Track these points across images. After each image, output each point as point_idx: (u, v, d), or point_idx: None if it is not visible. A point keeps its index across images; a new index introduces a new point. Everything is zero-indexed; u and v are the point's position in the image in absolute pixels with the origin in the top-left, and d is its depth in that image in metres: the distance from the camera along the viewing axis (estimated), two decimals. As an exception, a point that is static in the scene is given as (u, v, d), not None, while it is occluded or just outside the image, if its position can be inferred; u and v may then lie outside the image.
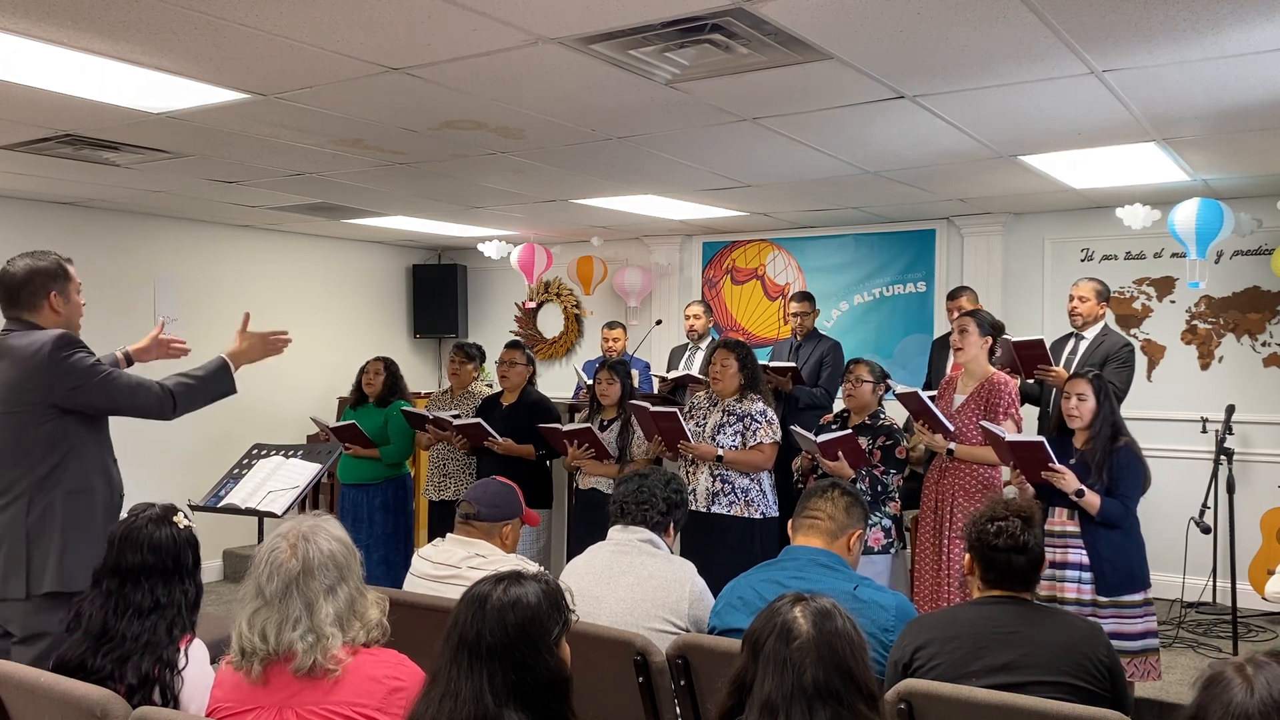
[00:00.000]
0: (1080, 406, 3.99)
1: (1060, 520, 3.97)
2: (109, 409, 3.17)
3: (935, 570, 4.34)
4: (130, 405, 3.16)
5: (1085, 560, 3.89)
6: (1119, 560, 3.88)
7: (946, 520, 4.29)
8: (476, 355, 5.96)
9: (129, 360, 3.51)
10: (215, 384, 3.35)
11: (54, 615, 2.97)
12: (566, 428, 5.10)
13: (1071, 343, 5.20)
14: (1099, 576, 3.87)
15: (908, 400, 4.39)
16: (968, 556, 2.61)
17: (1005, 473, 4.42)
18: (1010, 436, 4.02)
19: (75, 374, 3.07)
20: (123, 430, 3.29)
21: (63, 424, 3.08)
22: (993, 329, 4.46)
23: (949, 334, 5.77)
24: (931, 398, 4.39)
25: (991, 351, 4.49)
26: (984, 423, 4.15)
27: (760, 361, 5.06)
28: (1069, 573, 3.91)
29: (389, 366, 5.96)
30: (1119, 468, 3.90)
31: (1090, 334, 5.15)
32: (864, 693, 1.72)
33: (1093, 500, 3.85)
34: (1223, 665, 1.46)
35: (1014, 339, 4.94)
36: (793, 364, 5.65)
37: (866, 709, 1.72)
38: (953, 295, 5.76)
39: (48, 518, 3.06)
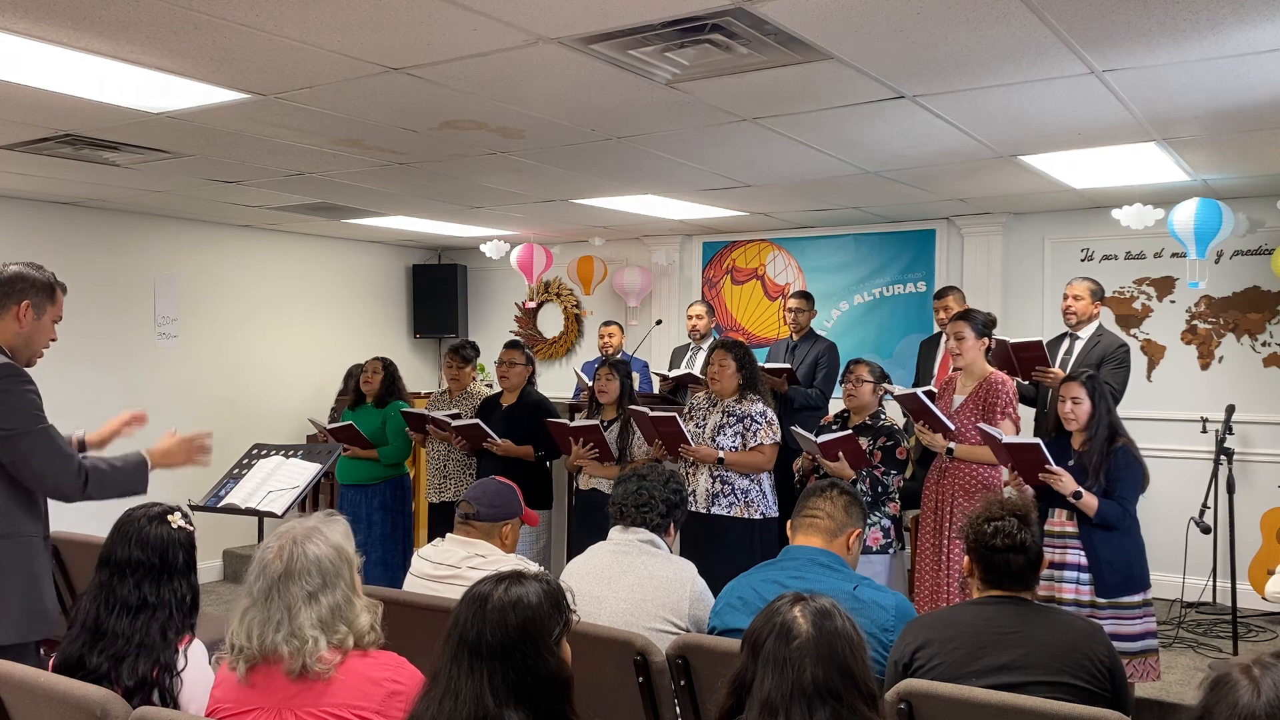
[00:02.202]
0: (1075, 410, 3.99)
1: (1059, 521, 3.97)
2: (29, 467, 2.81)
3: (936, 570, 4.34)
4: (50, 472, 2.82)
5: (1084, 561, 3.89)
6: (1118, 561, 3.87)
7: (947, 520, 4.30)
8: (472, 356, 5.96)
9: (82, 447, 3.15)
10: (129, 479, 2.98)
11: None
12: (573, 424, 5.10)
13: (1067, 342, 5.21)
14: (1097, 578, 3.87)
15: (907, 401, 4.39)
16: (966, 559, 2.61)
17: (1005, 472, 4.42)
18: (1007, 439, 4.02)
19: (14, 413, 2.77)
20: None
21: None
22: (986, 326, 4.47)
23: (938, 334, 5.79)
24: (929, 395, 4.39)
25: (987, 351, 4.49)
26: (981, 425, 4.15)
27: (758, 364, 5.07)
28: (1067, 573, 3.91)
29: (387, 367, 5.95)
30: (1117, 469, 3.90)
31: (1085, 333, 5.16)
32: (863, 692, 1.72)
33: (1090, 502, 3.85)
34: (1229, 666, 1.46)
35: (1012, 340, 4.94)
36: (788, 365, 5.66)
37: (866, 708, 1.72)
38: (939, 295, 5.76)
39: None
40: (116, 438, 3.27)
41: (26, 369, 2.91)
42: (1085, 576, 3.88)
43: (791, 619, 1.74)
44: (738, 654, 1.81)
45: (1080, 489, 3.86)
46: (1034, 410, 5.38)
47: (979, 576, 2.57)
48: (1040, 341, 4.91)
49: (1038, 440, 3.96)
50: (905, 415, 4.55)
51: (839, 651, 1.72)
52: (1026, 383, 5.08)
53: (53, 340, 3.02)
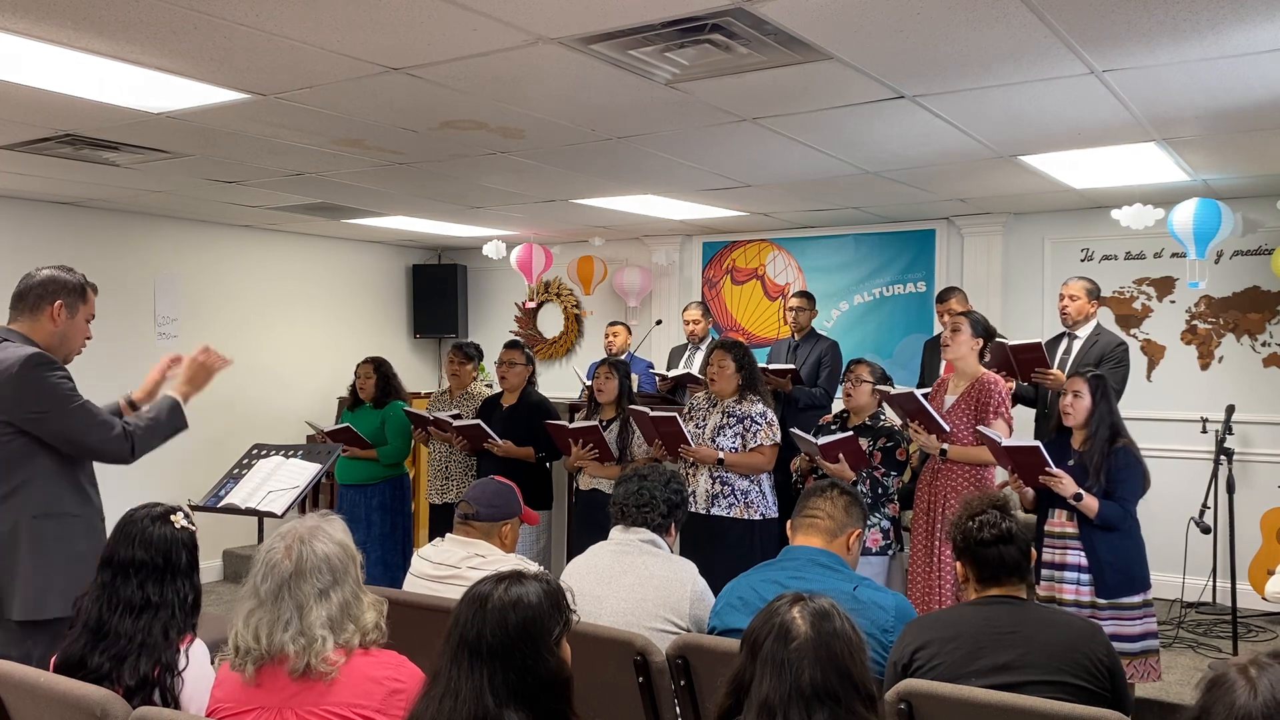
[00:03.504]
0: (1075, 404, 3.98)
1: (1059, 522, 3.97)
2: (72, 442, 3.00)
3: (928, 572, 4.33)
4: (97, 441, 3.01)
5: (1084, 562, 3.89)
6: (1118, 562, 3.87)
7: (939, 522, 4.29)
8: (475, 355, 5.96)
9: (133, 407, 3.33)
10: (170, 422, 3.19)
11: (25, 643, 2.90)
12: (572, 425, 5.10)
13: (1065, 342, 5.21)
14: (1098, 579, 3.86)
15: (903, 400, 4.38)
16: (959, 564, 2.60)
17: (999, 474, 4.41)
18: (1006, 441, 4.01)
19: (43, 396, 2.93)
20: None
21: (31, 442, 2.96)
22: (985, 332, 4.46)
23: (940, 335, 5.78)
24: (925, 396, 4.39)
25: (981, 355, 4.48)
26: (981, 428, 4.14)
27: (759, 364, 5.07)
28: (1067, 574, 3.91)
29: (380, 368, 5.94)
30: (1117, 469, 3.90)
31: (1083, 333, 5.16)
32: (862, 694, 1.71)
33: (1091, 503, 3.85)
34: (1226, 667, 1.46)
35: (1010, 342, 4.94)
36: (792, 366, 5.66)
37: (864, 710, 1.71)
38: (941, 298, 5.76)
39: (12, 543, 2.94)
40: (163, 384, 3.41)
41: (64, 364, 3.08)
42: (1085, 577, 3.88)
43: (790, 620, 1.74)
44: (737, 654, 1.80)
45: (1081, 491, 3.86)
46: (1034, 412, 5.38)
47: (974, 578, 2.56)
48: (1039, 343, 4.91)
49: (1037, 443, 3.96)
50: (901, 416, 4.54)
51: (837, 653, 1.71)
52: (1026, 385, 5.07)
53: (88, 339, 3.21)
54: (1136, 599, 3.89)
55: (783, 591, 1.86)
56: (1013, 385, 4.91)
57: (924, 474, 4.46)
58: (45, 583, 2.95)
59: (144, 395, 3.39)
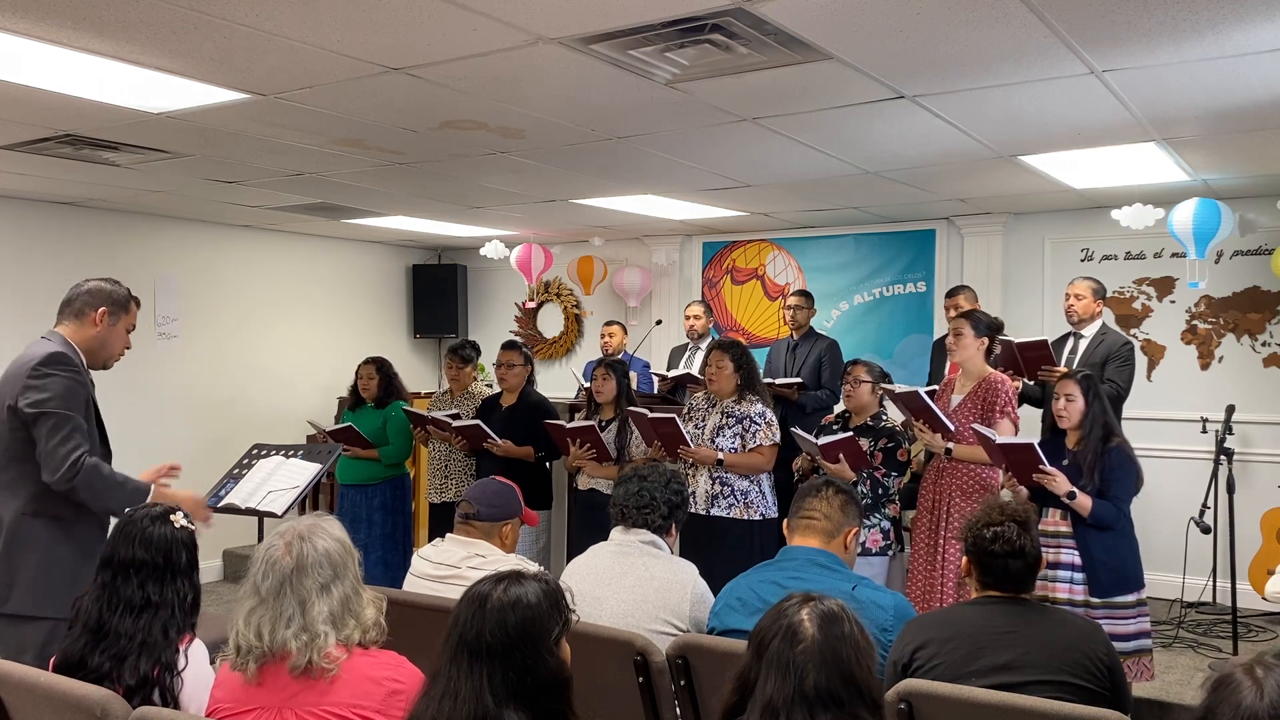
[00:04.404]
0: (1069, 407, 3.99)
1: (1053, 521, 3.97)
2: (38, 444, 2.96)
3: (930, 570, 4.33)
4: (47, 453, 2.94)
5: (1078, 561, 3.89)
6: (1112, 561, 3.88)
7: (943, 520, 4.29)
8: (472, 355, 5.95)
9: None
10: (123, 496, 3.04)
11: (5, 634, 2.94)
12: (570, 425, 5.10)
13: (1071, 342, 5.21)
14: (1091, 577, 3.87)
15: (908, 399, 4.38)
16: (965, 559, 2.61)
17: (1002, 474, 4.41)
18: (1001, 439, 4.01)
19: (43, 393, 2.96)
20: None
21: (28, 439, 2.98)
22: (990, 329, 4.45)
23: (946, 338, 5.78)
24: (930, 394, 4.39)
25: (989, 351, 4.48)
26: (975, 425, 4.14)
27: (764, 381, 5.05)
28: (1061, 573, 3.91)
29: (382, 368, 5.94)
30: (1111, 469, 3.90)
31: (1089, 332, 5.16)
32: (867, 699, 1.70)
33: (1084, 502, 3.85)
34: (1232, 667, 1.45)
35: (1017, 340, 4.93)
36: (799, 380, 5.66)
37: (869, 716, 1.70)
38: (951, 294, 5.77)
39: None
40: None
41: (103, 369, 3.19)
42: (1079, 576, 3.88)
43: (798, 621, 1.73)
44: (743, 652, 1.80)
45: (1074, 489, 3.86)
46: (1040, 410, 5.38)
47: (976, 577, 2.57)
48: (1045, 341, 4.90)
49: (1031, 441, 3.96)
50: (904, 414, 4.54)
51: (844, 658, 1.70)
52: (1032, 383, 5.07)
53: (127, 348, 3.28)
54: (1130, 598, 3.89)
55: (781, 591, 1.86)
56: (1019, 385, 4.91)
57: (928, 472, 4.46)
58: (12, 578, 2.98)
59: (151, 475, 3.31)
